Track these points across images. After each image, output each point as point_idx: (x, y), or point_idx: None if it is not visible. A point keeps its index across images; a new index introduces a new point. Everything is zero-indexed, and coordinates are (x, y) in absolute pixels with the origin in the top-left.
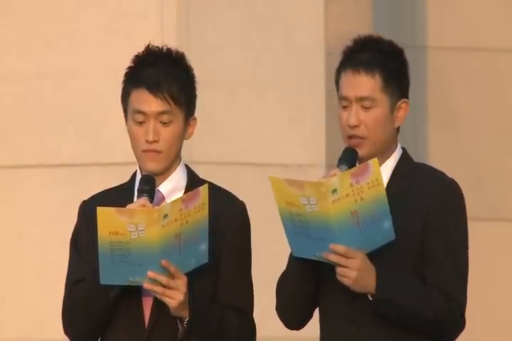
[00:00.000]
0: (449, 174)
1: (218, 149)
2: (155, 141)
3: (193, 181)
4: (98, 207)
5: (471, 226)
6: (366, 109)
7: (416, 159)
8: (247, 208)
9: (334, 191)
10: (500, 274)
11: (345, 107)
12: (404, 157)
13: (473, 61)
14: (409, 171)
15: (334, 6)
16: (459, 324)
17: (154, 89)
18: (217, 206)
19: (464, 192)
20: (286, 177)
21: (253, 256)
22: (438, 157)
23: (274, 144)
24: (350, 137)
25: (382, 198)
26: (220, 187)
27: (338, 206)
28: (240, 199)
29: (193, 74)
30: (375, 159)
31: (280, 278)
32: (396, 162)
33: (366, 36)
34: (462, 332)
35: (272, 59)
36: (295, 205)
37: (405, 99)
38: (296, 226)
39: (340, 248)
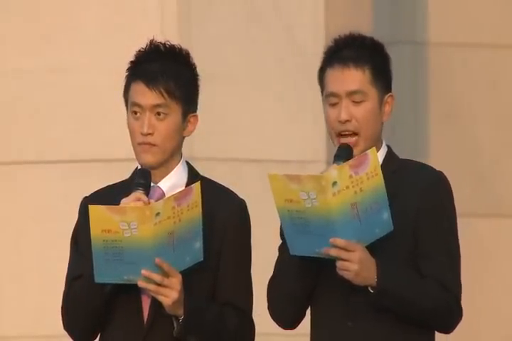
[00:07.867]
0: (451, 170)
1: (219, 145)
2: (149, 134)
3: (194, 178)
4: (90, 205)
5: (473, 222)
6: (356, 103)
7: (417, 155)
8: (248, 205)
9: (334, 184)
10: (502, 271)
11: (333, 104)
12: (390, 154)
13: (475, 57)
14: (396, 167)
15: (335, 2)
16: (457, 313)
17: (151, 82)
18: (217, 204)
19: (465, 188)
20: (287, 173)
21: (253, 253)
22: (439, 152)
23: (275, 140)
24: (340, 134)
25: (381, 188)
26: (220, 185)
27: (338, 199)
28: (241, 195)
29: (196, 72)
30: (373, 148)
31: (272, 280)
32: (383, 158)
33: (347, 35)
34: (463, 331)
35: (272, 54)
36: (294, 201)
37: (391, 93)
38: (295, 224)
39: (340, 241)
